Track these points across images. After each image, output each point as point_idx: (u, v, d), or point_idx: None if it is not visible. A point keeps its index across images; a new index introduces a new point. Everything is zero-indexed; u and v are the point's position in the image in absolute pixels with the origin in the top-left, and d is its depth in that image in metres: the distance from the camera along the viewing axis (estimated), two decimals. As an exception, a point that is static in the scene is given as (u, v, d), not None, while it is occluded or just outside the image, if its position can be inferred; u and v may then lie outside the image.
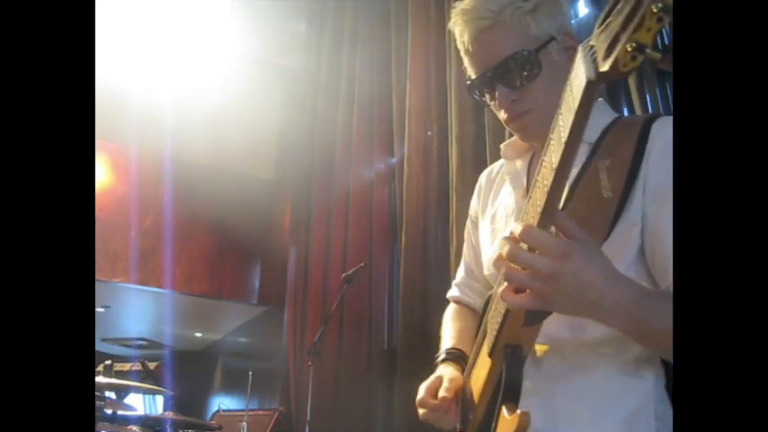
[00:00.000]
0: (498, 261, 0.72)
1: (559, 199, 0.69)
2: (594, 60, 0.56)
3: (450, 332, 1.18)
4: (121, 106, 4.32)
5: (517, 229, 0.69)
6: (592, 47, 0.58)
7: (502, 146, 1.10)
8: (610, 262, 0.72)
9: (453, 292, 1.26)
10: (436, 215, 2.65)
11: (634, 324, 0.73)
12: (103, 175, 4.47)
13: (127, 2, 4.15)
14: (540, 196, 0.68)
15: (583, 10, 2.22)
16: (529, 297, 0.70)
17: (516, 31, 0.95)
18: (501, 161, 1.17)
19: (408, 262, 2.67)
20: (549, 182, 0.66)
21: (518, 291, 0.72)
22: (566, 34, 0.99)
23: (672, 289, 0.81)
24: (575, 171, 0.91)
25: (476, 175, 2.33)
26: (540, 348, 0.92)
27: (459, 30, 1.01)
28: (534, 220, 0.69)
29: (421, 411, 1.00)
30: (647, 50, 0.51)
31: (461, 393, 0.98)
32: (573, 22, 2.25)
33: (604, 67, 0.54)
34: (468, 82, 1.04)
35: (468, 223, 1.24)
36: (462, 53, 1.04)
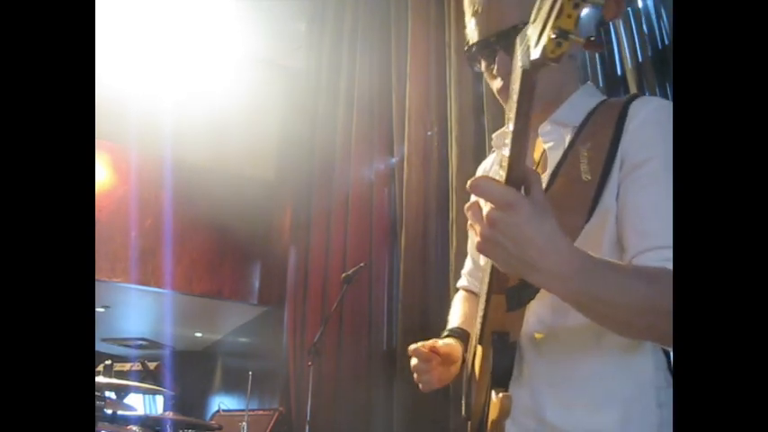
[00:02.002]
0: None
1: (521, 162, 0.69)
2: (527, 50, 0.59)
3: (455, 314, 1.19)
4: (122, 106, 4.32)
5: (474, 179, 0.69)
6: (526, 37, 0.61)
7: (494, 136, 1.10)
8: (557, 228, 0.70)
9: (461, 282, 1.29)
10: (436, 215, 2.65)
11: (574, 293, 0.73)
12: (104, 176, 4.47)
13: (128, 2, 4.15)
14: (504, 160, 0.70)
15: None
16: (477, 235, 0.71)
17: (526, 4, 0.97)
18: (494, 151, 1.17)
19: (408, 262, 2.67)
20: (503, 175, 0.68)
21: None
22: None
23: (632, 262, 0.82)
24: (557, 155, 0.92)
25: (476, 174, 2.35)
26: (536, 332, 0.93)
27: None
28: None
29: (412, 362, 1.02)
30: (571, 36, 0.53)
31: (466, 380, 0.99)
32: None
33: (535, 55, 0.57)
34: (467, 47, 1.04)
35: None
36: (469, 15, 1.03)
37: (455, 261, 2.30)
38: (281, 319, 4.11)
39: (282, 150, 4.89)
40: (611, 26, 2.07)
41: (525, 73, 0.61)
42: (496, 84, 1.01)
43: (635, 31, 1.94)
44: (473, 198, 0.79)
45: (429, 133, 2.78)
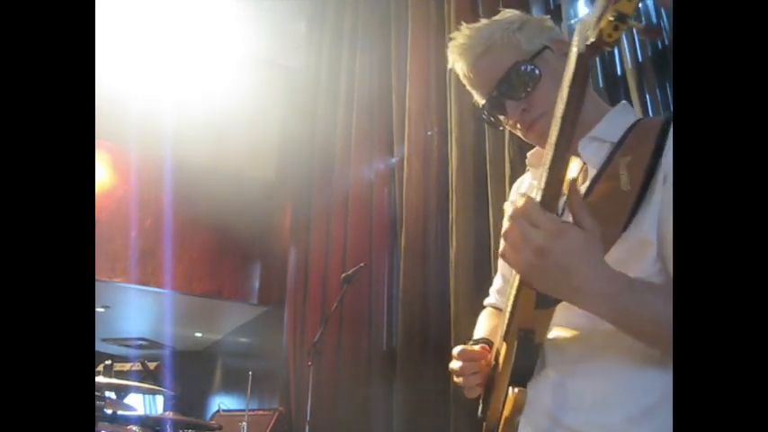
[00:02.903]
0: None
1: (562, 176, 0.71)
2: (584, 34, 0.61)
3: (481, 328, 1.20)
4: (122, 107, 4.32)
5: (520, 201, 0.71)
6: (585, 23, 0.62)
7: (528, 155, 1.12)
8: (601, 254, 0.74)
9: (489, 299, 1.29)
10: (436, 215, 2.65)
11: (616, 313, 0.75)
12: (104, 176, 4.47)
13: (128, 2, 4.15)
14: (543, 174, 0.71)
15: (583, 10, 2.23)
16: (518, 261, 0.73)
17: (509, 49, 1.01)
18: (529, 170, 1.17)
19: (408, 262, 2.67)
20: (549, 158, 0.69)
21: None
22: (558, 41, 1.04)
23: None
24: (596, 168, 0.93)
25: (476, 175, 2.36)
26: (563, 334, 0.92)
27: (458, 64, 1.06)
28: (538, 197, 0.72)
29: (455, 364, 1.00)
30: (629, 20, 0.55)
31: (488, 381, 0.99)
32: (573, 22, 2.26)
33: (591, 38, 0.58)
34: (481, 115, 1.07)
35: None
36: (468, 85, 1.08)
37: (455, 261, 2.30)
38: (281, 319, 4.11)
39: (282, 150, 4.89)
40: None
41: (580, 57, 0.62)
42: (520, 132, 1.04)
43: (635, 31, 1.94)
44: (507, 221, 0.80)
45: (429, 133, 2.78)
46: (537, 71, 0.99)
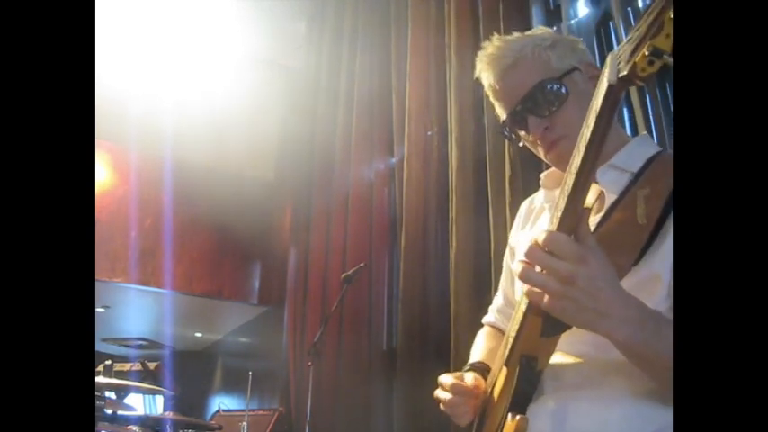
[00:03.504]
0: (522, 271, 0.74)
1: (581, 203, 0.71)
2: (618, 66, 0.59)
3: (478, 349, 1.19)
4: (122, 107, 4.32)
5: (541, 236, 0.71)
6: (618, 55, 0.60)
7: (542, 175, 1.10)
8: (617, 277, 0.74)
9: (488, 318, 1.28)
10: (436, 215, 2.65)
11: (636, 340, 0.74)
12: (104, 176, 4.47)
13: (128, 2, 4.15)
14: (561, 200, 0.71)
15: (583, 10, 2.23)
16: (550, 300, 0.72)
17: (539, 65, 1.00)
18: (542, 191, 1.17)
19: (408, 262, 2.67)
20: (569, 184, 0.69)
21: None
22: (588, 65, 1.03)
23: None
24: (613, 197, 0.92)
25: (476, 175, 2.36)
26: (563, 360, 0.91)
27: (485, 74, 1.05)
28: (555, 225, 0.72)
29: (443, 395, 1.00)
30: (665, 56, 0.53)
31: (480, 400, 0.98)
32: (573, 22, 2.26)
33: (624, 72, 0.57)
34: (502, 128, 1.06)
35: (507, 251, 1.25)
36: (492, 97, 1.07)
37: (455, 261, 2.30)
38: (281, 319, 4.10)
39: (282, 150, 4.89)
40: (611, 25, 2.07)
41: (610, 89, 0.61)
42: (540, 150, 1.03)
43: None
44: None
45: (429, 133, 2.78)
46: (564, 90, 0.98)
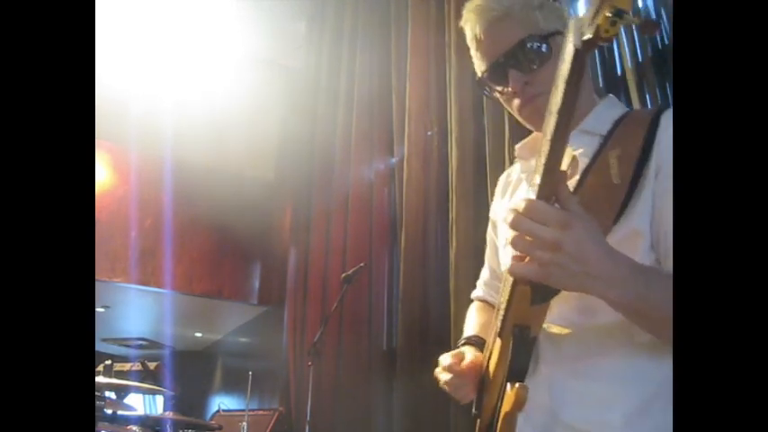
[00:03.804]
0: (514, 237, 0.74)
1: (559, 166, 0.71)
2: (581, 30, 0.60)
3: (471, 324, 1.20)
4: (122, 107, 4.32)
5: (521, 204, 0.71)
6: (581, 19, 0.61)
7: (517, 147, 1.11)
8: (605, 239, 0.75)
9: (477, 292, 1.29)
10: (436, 215, 2.65)
11: (629, 297, 0.75)
12: (104, 176, 4.47)
13: (128, 2, 4.15)
14: (539, 166, 0.71)
15: (583, 10, 2.22)
16: (531, 266, 0.72)
17: (526, 23, 1.00)
18: (518, 163, 1.17)
19: (408, 262, 2.67)
20: (545, 150, 0.69)
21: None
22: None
23: (667, 264, 0.83)
24: (585, 161, 0.94)
25: (476, 175, 2.36)
26: (558, 331, 0.93)
27: (470, 24, 1.04)
28: (535, 191, 0.72)
29: (444, 377, 1.01)
30: (626, 15, 0.54)
31: (479, 377, 0.99)
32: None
33: (588, 35, 0.58)
34: (479, 78, 1.06)
35: (489, 225, 1.27)
36: (474, 48, 1.06)
37: (455, 261, 2.30)
38: (281, 319, 4.11)
39: (282, 150, 4.89)
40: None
41: (576, 53, 0.62)
42: (515, 103, 1.03)
43: (635, 31, 1.94)
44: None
45: (429, 133, 2.78)
46: (547, 50, 0.99)
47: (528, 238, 0.71)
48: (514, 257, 0.77)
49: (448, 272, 2.35)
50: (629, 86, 1.90)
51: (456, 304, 2.26)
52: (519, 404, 0.80)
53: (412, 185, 2.75)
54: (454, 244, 2.31)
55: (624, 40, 1.95)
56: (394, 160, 3.10)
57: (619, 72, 2.01)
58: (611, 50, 2.02)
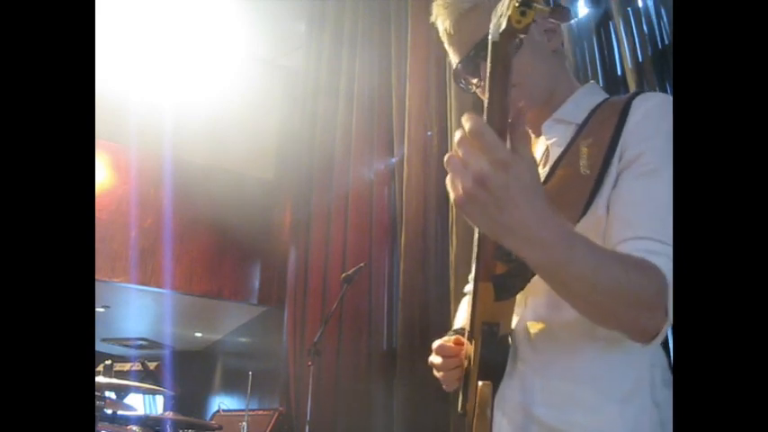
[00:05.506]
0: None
1: (506, 96, 0.66)
2: (497, 22, 0.60)
3: (460, 317, 1.20)
4: (122, 106, 4.32)
5: (467, 123, 0.64)
6: (495, 12, 0.62)
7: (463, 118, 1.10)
8: (543, 196, 0.67)
9: (468, 287, 1.28)
10: (436, 215, 2.65)
11: (552, 264, 0.70)
12: (104, 176, 4.47)
13: (128, 2, 4.15)
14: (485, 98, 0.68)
15: (583, 10, 2.22)
16: (456, 192, 0.65)
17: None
18: None
19: (408, 262, 2.67)
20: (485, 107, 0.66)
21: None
22: (542, 17, 1.01)
23: (614, 249, 0.80)
24: (558, 151, 0.93)
25: (476, 175, 2.35)
26: (530, 327, 0.91)
27: (441, 19, 1.03)
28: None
29: (437, 361, 0.99)
30: (534, 5, 0.55)
31: (464, 376, 0.99)
32: (573, 22, 2.26)
33: (503, 26, 0.58)
34: (453, 71, 1.06)
35: None
36: (446, 43, 1.06)
37: (455, 261, 2.30)
38: (281, 319, 4.10)
39: (282, 150, 4.89)
40: (611, 25, 2.07)
41: (494, 45, 0.62)
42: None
43: (635, 31, 1.94)
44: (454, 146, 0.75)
45: (429, 133, 2.78)
46: (518, 40, 0.98)
47: (461, 159, 0.64)
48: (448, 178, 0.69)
49: (448, 272, 2.35)
50: (629, 86, 1.90)
51: (456, 304, 2.25)
52: (483, 402, 0.79)
53: (412, 185, 2.75)
54: (454, 244, 2.31)
55: (624, 40, 1.95)
56: (394, 160, 3.10)
57: (619, 72, 2.01)
58: (611, 50, 2.02)
